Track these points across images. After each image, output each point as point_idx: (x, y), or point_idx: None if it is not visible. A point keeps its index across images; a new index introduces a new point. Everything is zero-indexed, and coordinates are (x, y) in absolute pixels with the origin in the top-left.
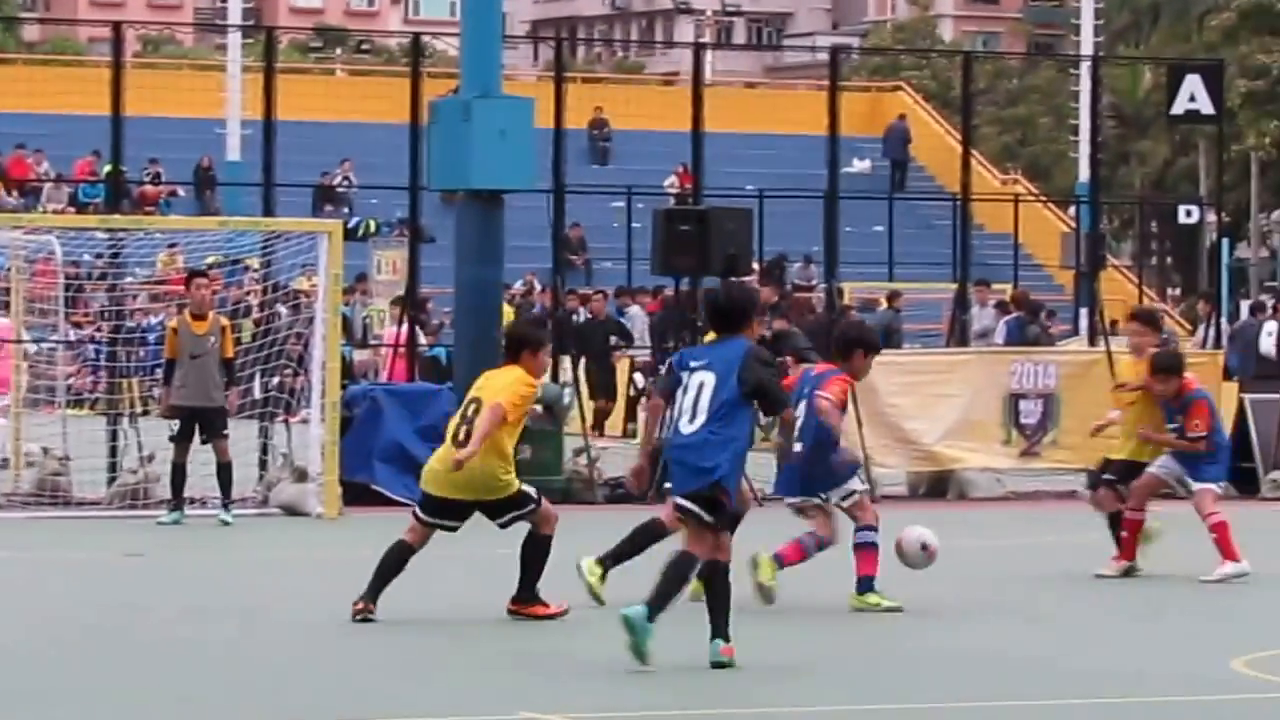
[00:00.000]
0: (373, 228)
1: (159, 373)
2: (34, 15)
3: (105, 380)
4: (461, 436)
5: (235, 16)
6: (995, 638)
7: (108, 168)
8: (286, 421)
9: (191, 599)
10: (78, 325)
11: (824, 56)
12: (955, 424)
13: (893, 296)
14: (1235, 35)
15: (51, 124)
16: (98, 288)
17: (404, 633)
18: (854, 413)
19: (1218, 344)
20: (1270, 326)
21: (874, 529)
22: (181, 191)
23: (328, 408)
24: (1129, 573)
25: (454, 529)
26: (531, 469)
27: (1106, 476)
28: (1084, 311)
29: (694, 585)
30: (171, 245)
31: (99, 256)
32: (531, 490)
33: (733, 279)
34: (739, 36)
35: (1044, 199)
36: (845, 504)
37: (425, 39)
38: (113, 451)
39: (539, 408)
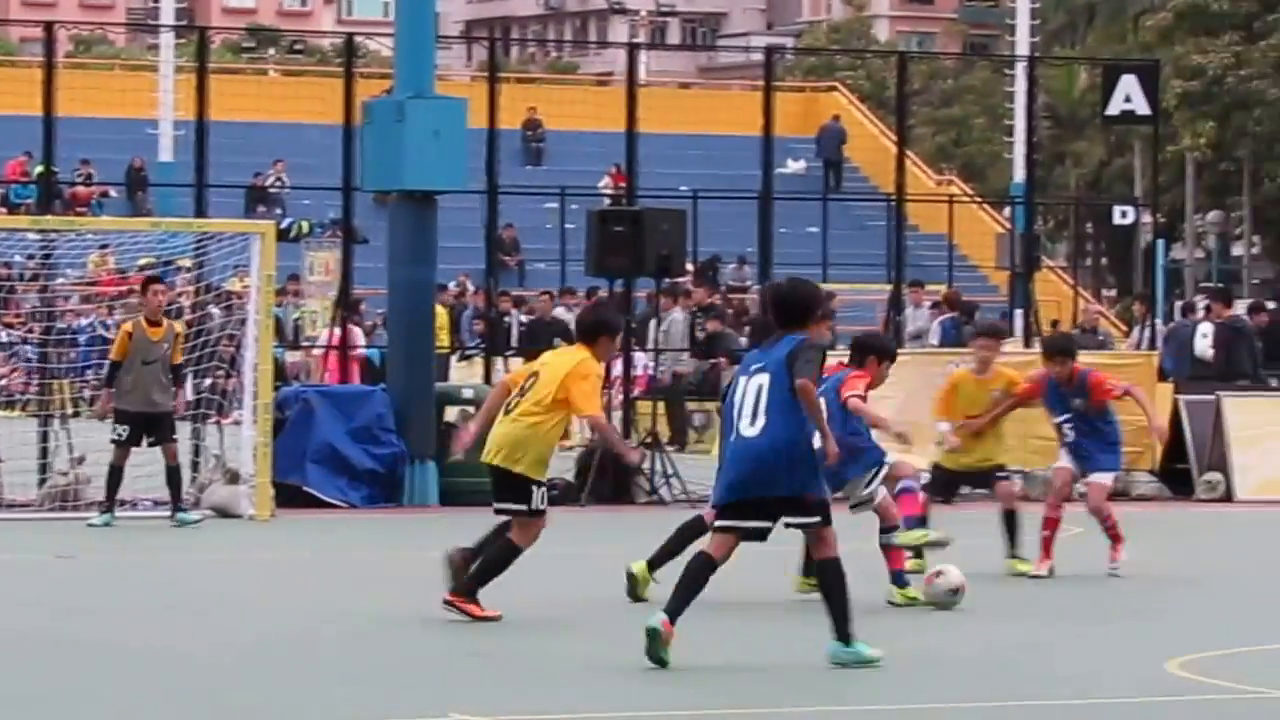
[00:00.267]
0: (305, 229)
1: (90, 374)
2: None
3: (36, 381)
4: (511, 405)
5: (168, 16)
6: (931, 640)
7: (39, 168)
8: (219, 423)
9: (124, 601)
10: (9, 326)
11: (758, 57)
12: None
13: (827, 297)
14: (1171, 36)
15: None
16: (29, 289)
17: (337, 634)
18: None
19: (1153, 345)
20: (1205, 328)
21: (897, 526)
22: (114, 192)
23: (260, 409)
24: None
25: (505, 512)
26: (462, 471)
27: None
28: (1019, 313)
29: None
30: (103, 246)
31: (30, 258)
32: (542, 498)
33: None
34: (673, 37)
35: (979, 200)
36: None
37: (359, 39)
38: (43, 453)
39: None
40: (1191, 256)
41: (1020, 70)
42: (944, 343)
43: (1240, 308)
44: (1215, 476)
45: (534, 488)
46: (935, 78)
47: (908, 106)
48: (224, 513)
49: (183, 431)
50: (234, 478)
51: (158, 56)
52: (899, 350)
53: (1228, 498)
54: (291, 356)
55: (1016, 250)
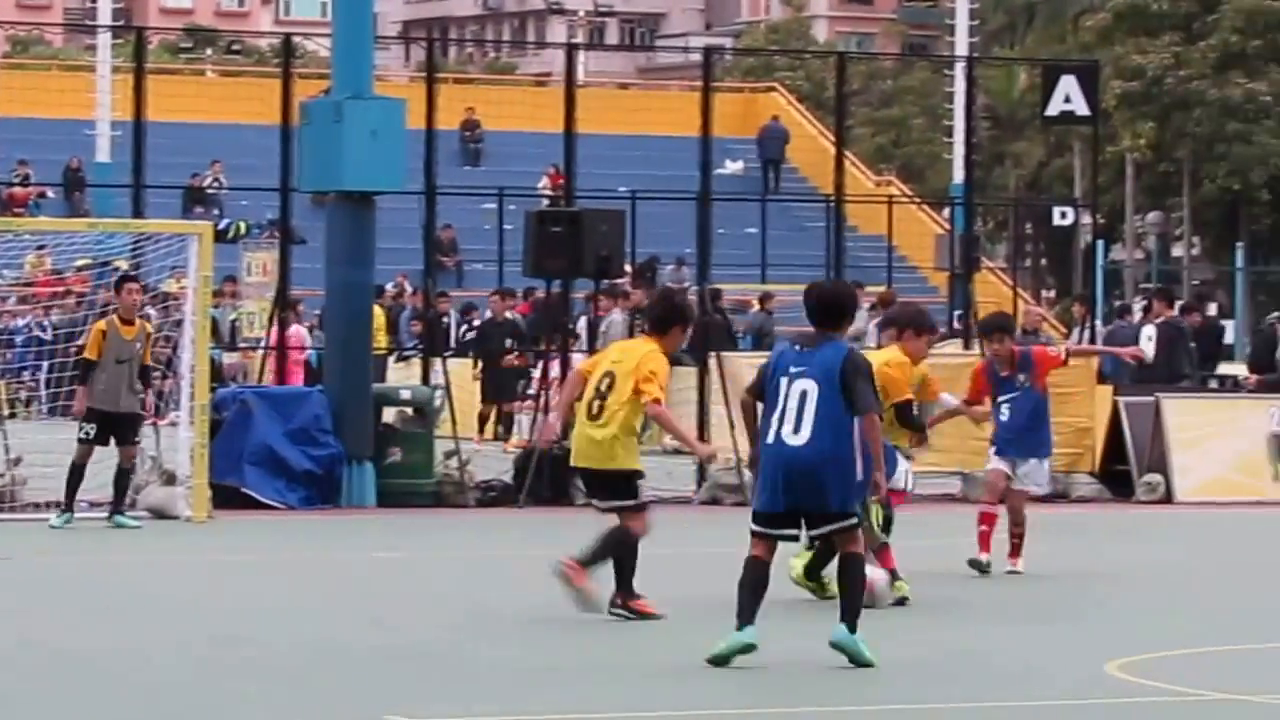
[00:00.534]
0: (243, 229)
1: (25, 375)
2: None
3: None
4: (595, 411)
5: (105, 17)
6: (876, 640)
7: None
8: (155, 425)
9: (58, 603)
10: None
11: (697, 57)
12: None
13: (765, 298)
14: (1110, 36)
15: None
16: None
17: (273, 636)
18: (725, 415)
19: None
20: (1149, 330)
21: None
22: (51, 193)
23: (197, 410)
24: (983, 568)
25: (612, 509)
26: (402, 472)
27: None
28: (958, 314)
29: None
30: (40, 247)
31: None
32: (642, 489)
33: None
34: (611, 37)
35: (918, 200)
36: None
37: (296, 39)
38: None
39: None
40: (1131, 257)
41: (959, 71)
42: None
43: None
44: (1155, 478)
45: (635, 479)
46: (874, 78)
47: (847, 107)
48: (160, 514)
49: None
50: (170, 479)
51: (95, 57)
52: None
53: (1168, 499)
54: (229, 358)
55: (956, 251)
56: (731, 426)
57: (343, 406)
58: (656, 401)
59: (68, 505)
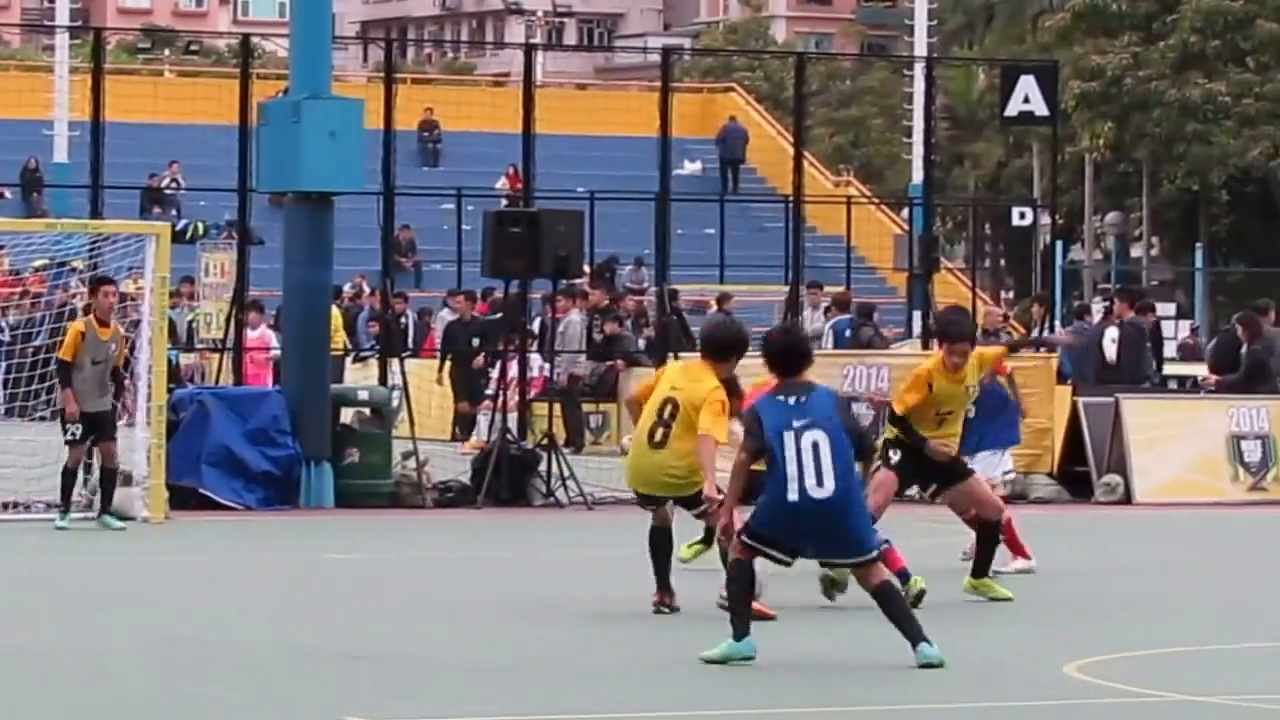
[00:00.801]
0: (201, 230)
1: None
2: None
3: None
4: (659, 438)
5: (63, 17)
6: (824, 642)
7: None
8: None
9: (14, 602)
10: None
11: (655, 57)
12: None
13: (723, 299)
14: (1069, 36)
15: None
16: None
17: (231, 637)
18: None
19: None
20: (1113, 333)
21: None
22: (8, 193)
23: (154, 411)
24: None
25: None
26: (360, 473)
27: None
28: (917, 314)
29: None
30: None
31: None
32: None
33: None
34: (570, 37)
35: (877, 201)
36: None
37: (254, 40)
38: None
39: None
40: (1090, 258)
41: (918, 71)
42: (838, 345)
43: None
44: (1114, 479)
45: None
46: (833, 78)
47: (805, 107)
48: (118, 515)
49: None
50: (127, 480)
51: (53, 57)
52: None
53: (1127, 500)
54: (186, 358)
55: (915, 251)
56: None
57: (301, 407)
58: (711, 439)
59: (65, 506)
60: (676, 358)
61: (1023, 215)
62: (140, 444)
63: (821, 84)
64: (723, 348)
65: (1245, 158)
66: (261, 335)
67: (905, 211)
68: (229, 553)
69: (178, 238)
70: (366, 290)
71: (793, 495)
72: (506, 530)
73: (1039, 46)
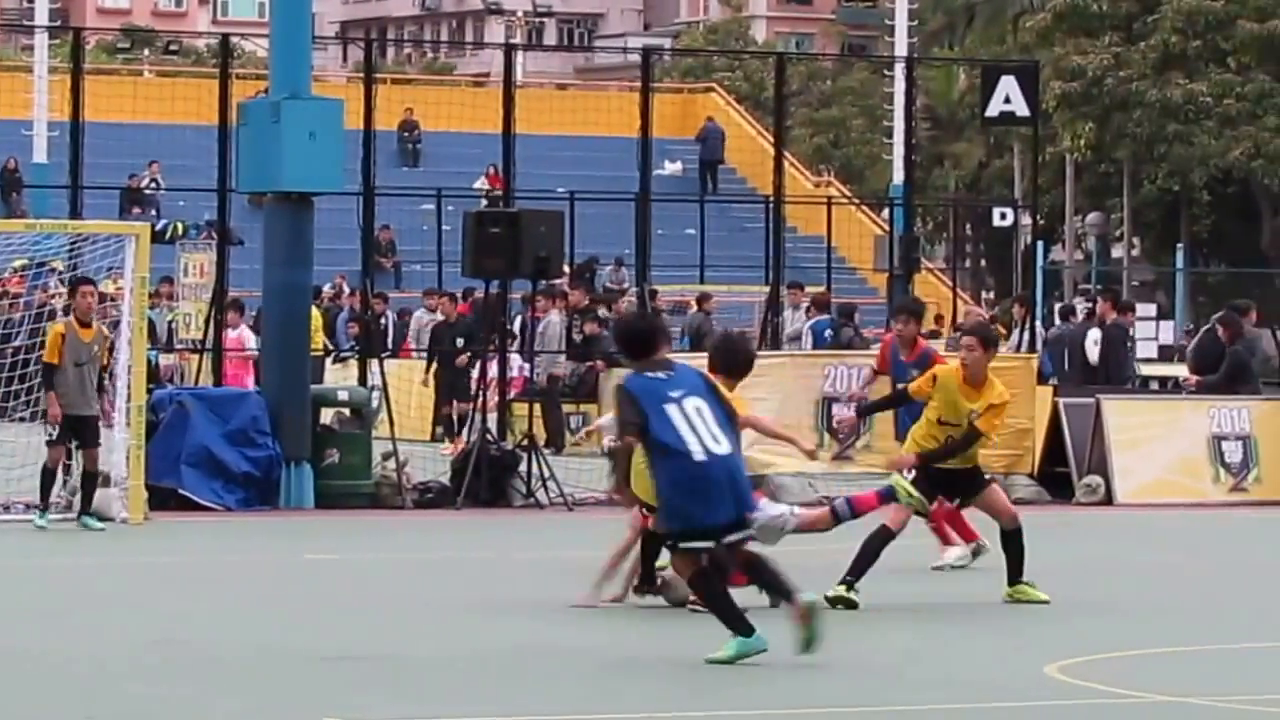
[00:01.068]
0: (180, 230)
1: None
2: None
3: None
4: None
5: (42, 17)
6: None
7: None
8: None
9: None
10: None
11: (636, 58)
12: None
13: (703, 299)
14: (1050, 36)
15: None
16: None
17: (211, 638)
18: None
19: (1032, 347)
20: (1095, 334)
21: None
22: None
23: (133, 412)
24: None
25: None
26: (340, 473)
27: None
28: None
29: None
30: None
31: None
32: None
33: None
34: (550, 37)
35: (857, 201)
36: None
37: (234, 40)
38: None
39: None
40: (1071, 258)
41: (899, 71)
42: (818, 345)
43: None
44: (1095, 480)
45: None
46: (814, 79)
47: (786, 107)
48: (98, 516)
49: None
50: (106, 481)
51: (32, 57)
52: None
53: (1108, 501)
54: (165, 359)
55: (895, 252)
56: None
57: (281, 408)
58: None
59: (44, 505)
60: None
61: (1003, 216)
62: (119, 445)
63: (802, 84)
64: (735, 367)
65: (1226, 158)
66: (239, 335)
67: (886, 212)
68: (208, 553)
69: (157, 238)
70: (346, 291)
71: (698, 456)
72: (486, 531)
73: (1020, 47)
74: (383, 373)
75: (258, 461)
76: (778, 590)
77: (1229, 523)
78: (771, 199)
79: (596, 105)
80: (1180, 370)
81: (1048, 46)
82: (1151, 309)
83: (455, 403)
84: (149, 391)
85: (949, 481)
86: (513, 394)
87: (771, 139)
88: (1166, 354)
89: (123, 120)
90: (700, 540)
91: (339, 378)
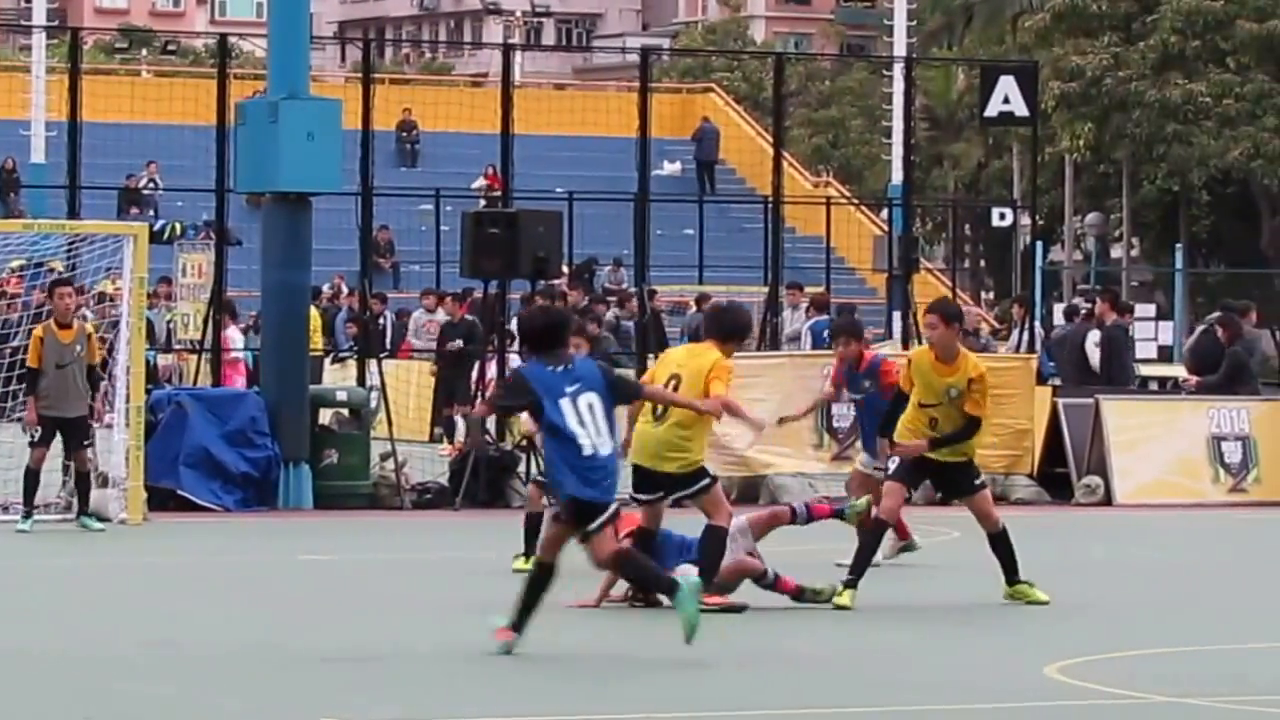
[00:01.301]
0: (178, 230)
1: None
2: None
3: None
4: (660, 410)
5: (40, 17)
6: (804, 642)
7: None
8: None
9: None
10: None
11: (634, 58)
12: (766, 428)
13: (702, 299)
14: (1049, 37)
15: None
16: None
17: (210, 639)
18: None
19: (1031, 348)
20: (1096, 336)
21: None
22: None
23: (132, 412)
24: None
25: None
26: (338, 474)
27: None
28: (897, 315)
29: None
30: None
31: None
32: (709, 472)
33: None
34: (548, 38)
35: (856, 201)
36: None
37: (232, 40)
38: None
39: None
40: (1070, 259)
41: (898, 71)
42: (817, 345)
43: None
44: (1094, 480)
45: (702, 473)
46: (812, 79)
47: (784, 108)
48: (97, 516)
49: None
50: (105, 481)
51: (29, 57)
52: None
53: (1107, 501)
54: (164, 359)
55: (894, 252)
56: None
57: (279, 408)
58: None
59: (27, 509)
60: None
61: (1002, 216)
62: (118, 445)
63: (800, 84)
64: (730, 332)
65: (1225, 159)
66: (225, 335)
67: (884, 212)
68: (207, 554)
69: (155, 238)
70: (345, 291)
71: (587, 450)
72: (484, 531)
73: (1018, 47)
74: (381, 373)
75: (256, 462)
76: (654, 585)
77: (1228, 523)
78: (770, 199)
79: (595, 105)
80: (1179, 370)
81: (1046, 47)
82: (1150, 309)
83: (455, 404)
84: (147, 392)
85: (938, 473)
86: None
87: (770, 139)
88: (1165, 354)
89: (120, 120)
90: (588, 516)
91: (337, 378)
